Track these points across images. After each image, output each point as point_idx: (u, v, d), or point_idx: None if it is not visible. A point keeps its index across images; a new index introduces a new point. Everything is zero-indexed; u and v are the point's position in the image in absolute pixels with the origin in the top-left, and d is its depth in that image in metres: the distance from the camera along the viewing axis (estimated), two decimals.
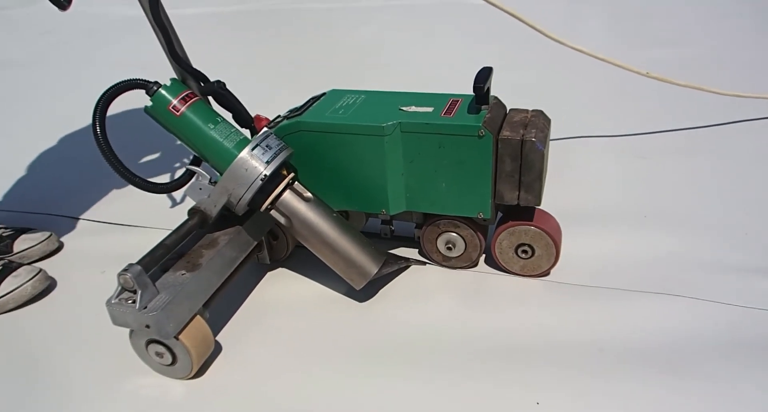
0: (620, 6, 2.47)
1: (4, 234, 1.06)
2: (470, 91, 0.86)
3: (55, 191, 1.34)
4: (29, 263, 1.05)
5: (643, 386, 0.75)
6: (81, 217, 1.23)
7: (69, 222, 1.21)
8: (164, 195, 1.27)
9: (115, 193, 1.30)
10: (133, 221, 1.19)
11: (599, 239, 1.03)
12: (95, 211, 1.25)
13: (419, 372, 0.80)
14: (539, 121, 0.88)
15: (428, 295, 0.94)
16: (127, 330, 0.78)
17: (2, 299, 0.94)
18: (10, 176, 1.40)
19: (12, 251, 1.05)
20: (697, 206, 1.12)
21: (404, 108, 0.90)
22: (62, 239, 1.14)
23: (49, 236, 1.09)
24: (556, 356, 0.81)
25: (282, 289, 0.99)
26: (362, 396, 0.77)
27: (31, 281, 0.96)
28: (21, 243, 1.06)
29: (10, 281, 0.95)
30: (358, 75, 1.95)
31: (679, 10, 2.36)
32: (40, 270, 0.98)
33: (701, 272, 0.94)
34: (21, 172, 1.44)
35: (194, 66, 0.90)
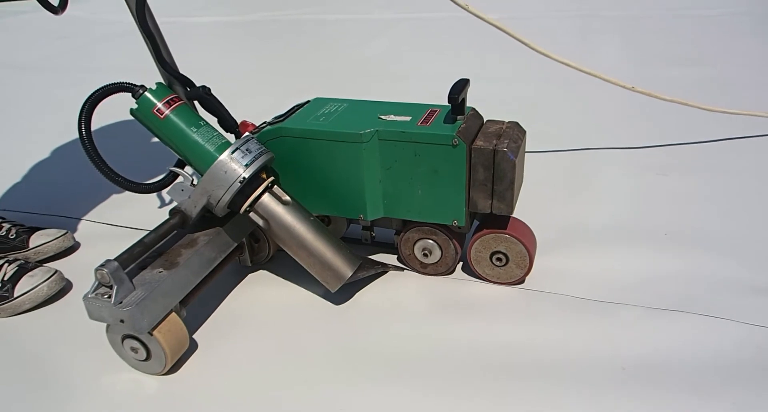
0: (635, 26, 2.49)
1: (20, 230, 1.08)
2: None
3: (65, 193, 1.37)
4: (44, 260, 1.07)
5: (668, 408, 0.73)
6: (92, 220, 1.25)
7: (79, 224, 1.24)
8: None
9: (129, 197, 1.32)
10: (144, 225, 1.20)
11: (617, 255, 1.03)
12: (105, 214, 1.27)
13: (392, 377, 0.81)
14: (513, 132, 0.90)
15: (403, 300, 0.96)
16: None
17: (18, 299, 0.94)
18: (19, 178, 1.44)
19: (28, 246, 1.06)
20: (717, 223, 1.10)
21: (383, 117, 0.92)
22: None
23: (65, 233, 1.10)
24: (572, 372, 0.79)
25: (261, 291, 1.01)
26: (332, 397, 0.78)
27: (47, 282, 0.96)
28: (37, 238, 1.07)
29: (27, 281, 0.95)
30: (363, 86, 1.98)
31: (696, 30, 2.39)
32: (56, 271, 0.98)
33: (725, 291, 0.92)
34: (31, 174, 1.47)
35: (182, 72, 0.93)
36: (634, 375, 0.78)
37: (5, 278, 0.95)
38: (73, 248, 1.13)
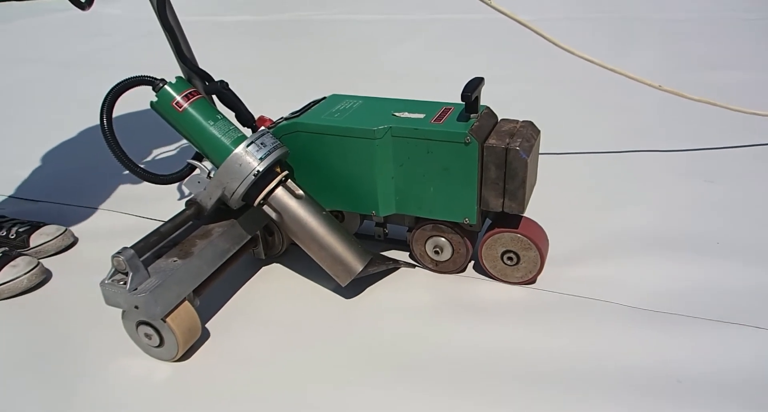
0: (669, 29, 2.46)
1: (20, 229, 1.10)
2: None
3: (86, 183, 1.41)
4: (46, 257, 1.10)
5: None
6: (109, 209, 1.28)
7: (97, 213, 1.27)
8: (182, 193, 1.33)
9: (146, 188, 1.35)
10: (153, 214, 1.23)
11: (669, 263, 1.00)
12: (123, 204, 1.29)
13: (396, 376, 0.81)
14: (527, 131, 0.90)
15: (413, 297, 0.96)
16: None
17: None
18: (43, 167, 1.49)
19: (29, 246, 1.09)
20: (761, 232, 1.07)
21: (397, 114, 0.93)
22: (77, 227, 1.20)
23: (64, 231, 1.12)
24: (622, 382, 0.77)
25: (274, 283, 1.02)
26: (335, 394, 0.79)
27: (27, 275, 0.99)
28: (37, 238, 1.10)
29: (8, 271, 0.98)
30: (382, 85, 2.00)
31: (731, 34, 2.34)
32: (38, 263, 1.01)
33: None
34: (53, 163, 1.52)
35: (201, 66, 0.95)
36: (692, 389, 0.75)
37: None
38: (73, 243, 1.15)
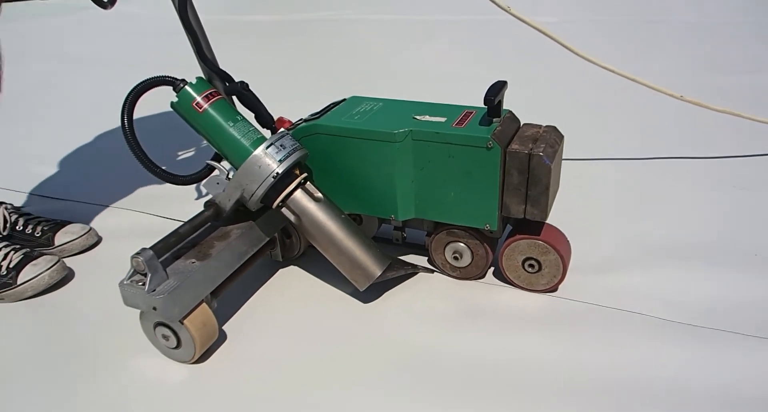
0: (690, 33, 2.42)
1: (45, 227, 1.11)
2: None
3: (104, 182, 1.41)
4: (70, 256, 1.11)
5: None
6: (126, 208, 1.29)
7: (114, 212, 1.28)
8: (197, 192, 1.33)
9: (164, 188, 1.36)
10: (174, 214, 1.24)
11: (702, 274, 0.97)
12: (141, 203, 1.30)
13: (410, 383, 0.80)
14: (550, 136, 0.88)
15: (432, 303, 0.95)
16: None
17: (21, 286, 0.98)
18: (62, 165, 1.50)
19: (53, 245, 1.10)
20: None
21: (418, 117, 0.92)
22: (98, 226, 1.20)
23: (89, 231, 1.13)
24: (655, 397, 0.74)
25: (291, 286, 1.02)
26: (356, 395, 0.78)
27: (49, 271, 1.00)
28: (62, 236, 1.11)
29: (29, 270, 0.99)
30: (400, 87, 1.98)
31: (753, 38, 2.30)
32: (59, 260, 1.02)
33: None
34: (73, 162, 1.53)
35: (223, 68, 0.95)
36: (729, 407, 0.72)
37: (10, 266, 0.99)
38: (97, 242, 1.16)
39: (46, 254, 1.03)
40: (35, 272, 0.99)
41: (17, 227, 1.11)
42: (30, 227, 1.11)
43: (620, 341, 0.85)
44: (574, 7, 2.92)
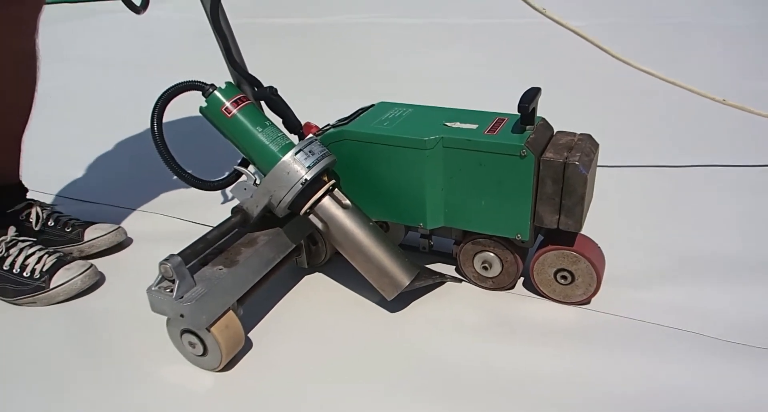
0: (732, 35, 2.36)
1: (76, 224, 1.13)
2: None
3: (131, 185, 1.42)
4: (97, 253, 1.11)
5: None
6: (152, 211, 1.29)
7: (139, 215, 1.28)
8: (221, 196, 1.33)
9: (189, 191, 1.36)
10: (203, 219, 1.23)
11: (751, 290, 0.93)
12: (166, 208, 1.30)
13: (440, 395, 0.79)
14: (585, 145, 0.86)
15: (460, 314, 0.93)
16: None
17: (53, 290, 0.98)
18: (90, 168, 1.51)
19: (83, 240, 1.11)
20: None
21: (449, 123, 0.90)
22: (127, 230, 1.21)
23: (117, 228, 1.14)
24: None
25: (317, 293, 1.00)
26: (382, 406, 0.77)
27: (81, 276, 1.00)
28: (91, 232, 1.12)
29: (62, 274, 0.99)
30: (428, 92, 1.96)
31: None
32: (91, 265, 1.03)
33: None
34: (101, 165, 1.54)
35: (250, 72, 0.94)
36: None
37: (44, 269, 0.99)
38: (126, 241, 1.17)
39: (78, 259, 1.04)
40: (68, 276, 0.99)
41: (49, 223, 1.12)
42: (61, 223, 1.12)
43: (656, 356, 0.82)
44: (604, 10, 2.88)
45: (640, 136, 1.53)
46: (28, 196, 1.15)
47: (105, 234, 1.12)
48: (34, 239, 1.07)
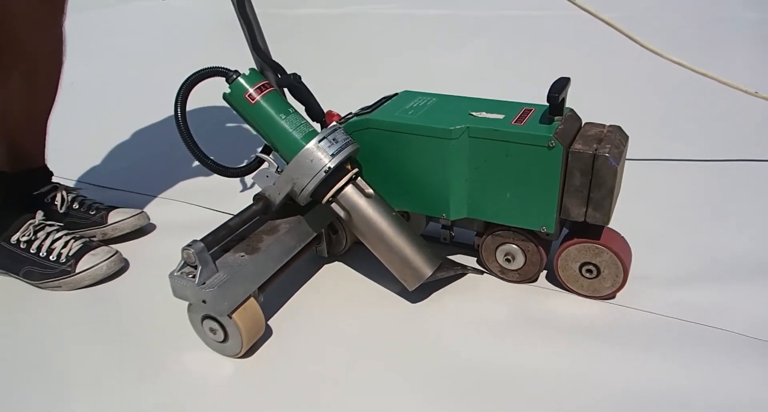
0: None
1: (100, 207, 1.14)
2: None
3: (153, 172, 1.43)
4: (121, 236, 1.12)
5: None
6: (173, 198, 1.29)
7: (160, 202, 1.29)
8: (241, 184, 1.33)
9: (205, 179, 1.36)
10: (225, 207, 1.23)
11: None
12: (188, 195, 1.30)
13: (459, 389, 0.78)
14: (615, 136, 0.84)
15: (482, 307, 0.92)
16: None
17: (79, 275, 0.99)
18: (113, 155, 1.52)
19: (106, 222, 1.12)
20: None
21: (474, 113, 0.88)
22: (150, 214, 1.21)
23: (140, 212, 1.15)
24: None
25: (336, 282, 1.00)
26: (397, 398, 0.76)
27: (107, 262, 1.01)
28: (115, 215, 1.13)
29: (88, 259, 1.00)
30: (453, 84, 1.94)
31: None
32: (117, 252, 1.03)
33: None
34: (124, 152, 1.55)
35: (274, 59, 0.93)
36: None
37: (70, 254, 1.00)
38: (148, 226, 1.17)
39: (104, 246, 1.04)
40: (94, 261, 1.00)
41: (74, 206, 1.13)
42: (85, 206, 1.13)
43: (682, 353, 0.80)
44: (633, 3, 2.81)
45: (670, 129, 1.50)
46: (53, 180, 1.16)
47: (128, 217, 1.13)
48: (62, 224, 1.08)
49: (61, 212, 1.11)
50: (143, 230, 1.16)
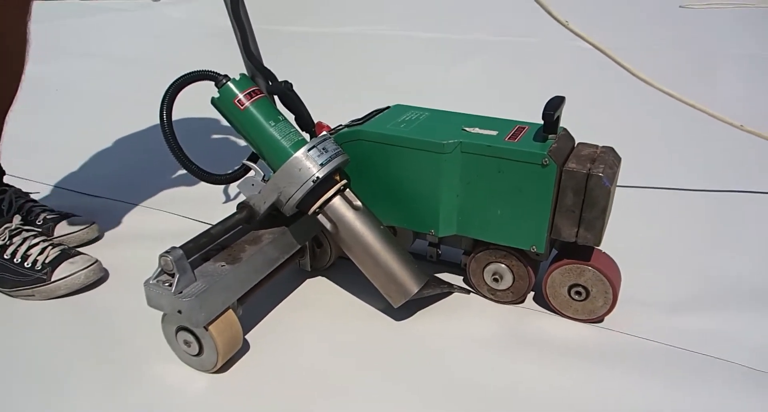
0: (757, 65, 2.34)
1: (48, 217, 1.08)
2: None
3: (134, 180, 1.39)
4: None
5: None
6: (153, 206, 1.26)
7: (138, 209, 1.25)
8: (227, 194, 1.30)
9: (194, 188, 1.33)
10: (205, 217, 1.20)
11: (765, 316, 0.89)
12: (169, 202, 1.27)
13: (441, 409, 0.75)
14: (608, 157, 0.83)
15: (467, 327, 0.89)
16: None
17: (54, 284, 0.94)
18: (93, 162, 1.48)
19: (52, 235, 1.06)
20: None
21: (468, 129, 0.87)
22: (131, 226, 1.17)
23: (91, 225, 1.10)
24: None
25: (319, 297, 0.97)
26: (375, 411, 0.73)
27: (85, 271, 0.95)
28: (61, 228, 1.07)
29: (66, 267, 0.95)
30: (445, 104, 1.93)
31: None
32: (96, 261, 0.98)
33: None
34: (105, 159, 1.51)
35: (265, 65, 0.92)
36: None
37: (46, 261, 0.95)
38: (97, 238, 1.12)
39: (84, 254, 0.99)
40: (71, 270, 0.95)
41: (21, 213, 1.07)
42: (33, 214, 1.08)
43: (672, 380, 0.78)
44: (626, 33, 2.87)
45: (655, 156, 1.51)
46: (21, 185, 1.11)
47: (76, 231, 1.08)
48: (40, 230, 1.03)
49: (6, 217, 1.04)
50: (125, 239, 1.12)
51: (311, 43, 2.90)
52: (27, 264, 0.95)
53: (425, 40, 2.87)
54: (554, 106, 0.80)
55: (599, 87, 2.05)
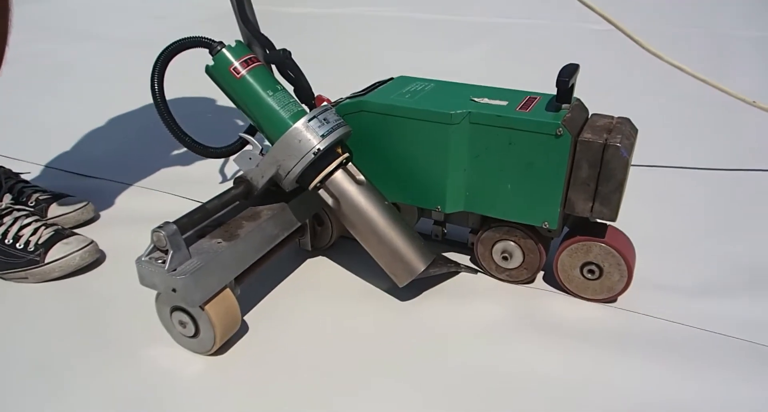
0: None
1: (40, 197, 1.04)
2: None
3: (126, 159, 1.34)
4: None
5: None
6: (149, 187, 1.21)
7: (134, 189, 1.20)
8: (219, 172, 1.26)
9: (188, 169, 1.29)
10: (199, 196, 1.16)
11: None
12: (167, 183, 1.23)
13: (449, 392, 0.71)
14: (625, 128, 0.79)
15: (475, 308, 0.85)
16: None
17: (48, 266, 0.89)
18: (86, 141, 1.44)
19: (45, 216, 1.02)
20: None
21: (476, 99, 0.83)
22: (127, 206, 1.13)
23: (85, 205, 1.05)
24: None
25: (319, 277, 0.93)
26: (381, 401, 0.69)
27: (80, 252, 0.91)
28: (55, 209, 1.03)
29: (60, 248, 0.90)
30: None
31: None
32: (92, 241, 0.94)
33: None
34: (97, 138, 1.46)
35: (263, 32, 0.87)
36: None
37: (39, 242, 0.90)
38: (93, 219, 1.08)
39: (79, 234, 0.95)
40: (66, 251, 0.90)
41: (12, 194, 1.03)
42: (24, 195, 1.04)
43: (701, 364, 0.74)
44: (644, 14, 2.79)
45: (669, 135, 1.46)
46: (13, 166, 1.07)
47: (71, 212, 1.03)
48: (32, 209, 0.99)
49: None
50: (122, 220, 1.08)
51: (311, 24, 2.83)
52: (19, 245, 0.91)
53: (430, 22, 2.81)
54: (569, 72, 0.76)
55: (609, 66, 2.00)
